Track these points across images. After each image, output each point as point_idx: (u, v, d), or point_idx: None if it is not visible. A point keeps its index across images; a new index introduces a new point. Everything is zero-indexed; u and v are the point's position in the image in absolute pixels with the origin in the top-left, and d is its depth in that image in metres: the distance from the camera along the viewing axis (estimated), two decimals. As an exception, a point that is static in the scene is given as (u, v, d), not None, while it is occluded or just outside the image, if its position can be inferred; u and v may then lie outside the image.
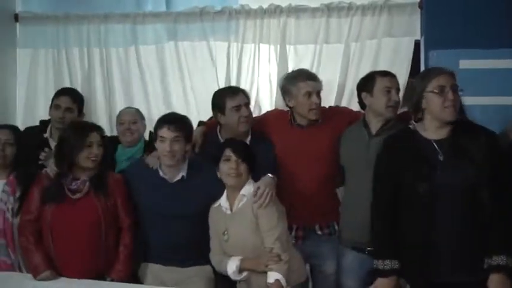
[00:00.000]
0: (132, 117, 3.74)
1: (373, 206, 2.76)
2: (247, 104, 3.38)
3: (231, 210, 2.98)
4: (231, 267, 2.92)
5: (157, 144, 3.08)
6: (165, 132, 3.04)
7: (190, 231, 3.07)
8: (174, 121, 3.10)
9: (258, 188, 2.91)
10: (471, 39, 3.56)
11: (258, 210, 2.88)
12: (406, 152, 2.68)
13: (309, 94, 3.29)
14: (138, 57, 4.21)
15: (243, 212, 2.94)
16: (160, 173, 3.13)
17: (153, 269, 3.16)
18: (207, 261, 3.09)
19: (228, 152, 2.94)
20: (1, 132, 3.30)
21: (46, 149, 3.47)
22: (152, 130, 3.38)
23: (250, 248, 2.92)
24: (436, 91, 2.59)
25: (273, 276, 2.80)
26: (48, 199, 3.03)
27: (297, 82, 3.33)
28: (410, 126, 2.71)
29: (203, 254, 3.08)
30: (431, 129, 2.65)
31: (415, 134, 2.68)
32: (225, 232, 2.96)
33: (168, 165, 3.09)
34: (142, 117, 3.82)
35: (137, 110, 3.85)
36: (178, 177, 3.12)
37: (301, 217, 3.24)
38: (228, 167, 2.93)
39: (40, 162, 3.37)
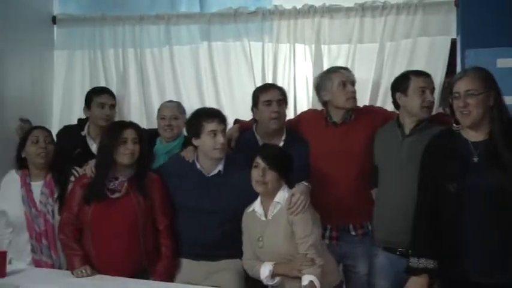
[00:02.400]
0: (173, 112, 3.72)
1: (416, 204, 2.75)
2: (280, 100, 3.37)
3: (266, 216, 2.99)
4: (264, 272, 2.93)
5: (206, 139, 3.10)
6: (216, 126, 3.08)
7: (224, 228, 3.09)
8: (220, 114, 3.16)
9: (293, 195, 2.92)
10: (509, 38, 3.50)
11: (292, 217, 2.88)
12: (443, 152, 2.68)
13: (344, 84, 3.31)
14: (172, 58, 4.25)
15: (277, 219, 2.94)
16: (198, 166, 3.16)
17: (183, 264, 3.19)
18: (238, 255, 3.11)
19: (258, 159, 2.94)
20: (38, 132, 3.36)
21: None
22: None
23: (284, 255, 2.92)
24: (457, 95, 2.61)
25: (307, 278, 2.80)
26: (90, 198, 3.07)
27: (330, 75, 3.37)
28: (454, 127, 2.69)
29: (234, 249, 3.10)
30: (468, 131, 2.64)
31: (457, 135, 2.67)
32: (260, 238, 2.96)
33: (219, 158, 3.12)
34: (183, 112, 3.78)
35: (179, 104, 3.84)
36: (215, 171, 3.15)
37: (335, 217, 3.24)
38: (256, 174, 2.94)
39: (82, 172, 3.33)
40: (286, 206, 2.91)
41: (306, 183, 3.05)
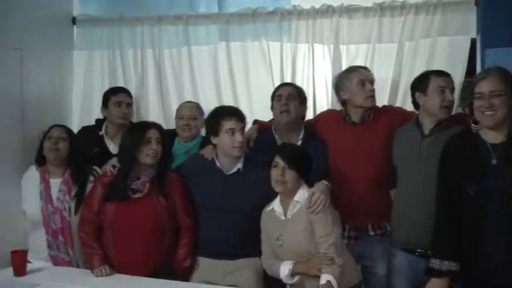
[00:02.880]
0: (191, 112, 3.73)
1: (437, 204, 2.74)
2: (291, 95, 3.40)
3: (285, 215, 2.99)
4: (284, 271, 2.93)
5: (224, 137, 3.10)
6: (234, 124, 3.09)
7: (243, 227, 3.09)
8: (238, 112, 3.16)
9: (313, 194, 2.92)
10: (530, 37, 3.46)
11: (312, 216, 2.88)
12: (462, 152, 2.67)
13: (363, 82, 3.32)
14: (191, 58, 4.25)
15: (297, 218, 2.94)
16: (217, 164, 3.17)
17: (201, 262, 3.20)
18: (256, 254, 3.11)
19: (277, 158, 2.94)
20: (55, 130, 3.43)
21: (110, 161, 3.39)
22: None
23: (304, 254, 2.92)
24: (478, 95, 2.60)
25: (324, 278, 2.80)
26: (111, 197, 3.09)
27: (349, 74, 3.39)
28: (473, 128, 2.67)
29: (253, 247, 3.10)
30: (487, 132, 2.62)
31: (476, 136, 2.65)
32: (279, 237, 2.96)
33: (237, 156, 3.13)
34: (201, 113, 3.78)
35: (197, 105, 3.85)
36: (235, 169, 3.16)
37: (353, 217, 3.23)
38: (276, 173, 2.94)
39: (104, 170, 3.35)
40: (306, 205, 2.90)
41: (326, 182, 3.04)
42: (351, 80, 3.34)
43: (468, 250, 2.60)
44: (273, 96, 3.46)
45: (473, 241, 2.58)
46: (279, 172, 2.92)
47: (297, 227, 2.92)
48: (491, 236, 2.53)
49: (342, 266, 2.84)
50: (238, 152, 3.12)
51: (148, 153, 3.08)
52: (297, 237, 2.92)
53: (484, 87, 2.58)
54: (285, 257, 2.96)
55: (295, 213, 2.96)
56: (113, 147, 3.76)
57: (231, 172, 3.17)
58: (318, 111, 3.83)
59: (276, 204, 3.03)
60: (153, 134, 3.12)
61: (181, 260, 3.15)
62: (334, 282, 2.77)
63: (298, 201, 2.95)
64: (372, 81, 3.36)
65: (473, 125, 2.67)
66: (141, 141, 3.09)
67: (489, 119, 2.57)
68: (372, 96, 3.33)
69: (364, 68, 3.48)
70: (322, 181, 3.05)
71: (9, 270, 3.08)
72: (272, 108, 3.48)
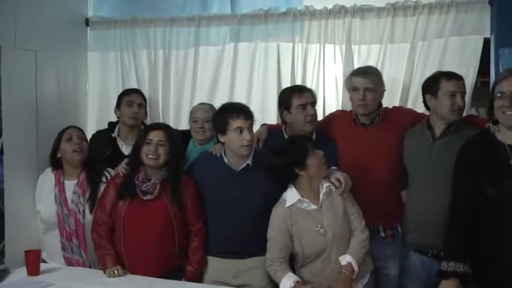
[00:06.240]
0: (205, 114, 3.63)
1: (451, 205, 2.70)
2: (314, 103, 3.39)
3: (317, 204, 2.97)
4: (285, 286, 2.87)
5: (232, 136, 3.07)
6: (242, 122, 3.05)
7: (253, 224, 3.07)
8: (245, 109, 3.12)
9: (338, 179, 2.99)
10: (544, 37, 3.43)
11: (345, 195, 2.96)
12: (480, 154, 2.62)
13: (354, 89, 3.32)
14: (203, 59, 4.26)
15: (332, 202, 2.97)
16: (225, 160, 3.15)
17: (211, 262, 3.20)
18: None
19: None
20: (71, 130, 3.45)
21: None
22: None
23: (345, 235, 2.95)
24: (498, 95, 2.56)
25: (345, 259, 2.83)
26: (122, 194, 3.11)
27: (349, 79, 3.40)
28: (491, 128, 2.64)
29: (264, 245, 3.06)
30: (505, 133, 2.59)
31: (492, 137, 2.61)
32: (319, 226, 2.93)
33: (247, 155, 3.11)
34: None
35: (211, 107, 3.72)
36: (244, 165, 3.14)
37: (364, 218, 3.20)
38: (319, 157, 2.96)
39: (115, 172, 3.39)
40: (339, 189, 2.98)
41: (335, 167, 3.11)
42: (350, 85, 3.39)
43: (485, 253, 2.56)
44: (290, 103, 3.36)
45: (491, 244, 2.54)
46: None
47: (336, 209, 2.95)
48: (510, 239, 2.48)
49: (368, 241, 2.96)
50: (247, 150, 3.08)
51: (147, 154, 3.10)
52: (337, 219, 2.94)
53: (506, 86, 2.54)
54: (329, 246, 2.92)
55: (330, 197, 2.97)
56: (125, 149, 3.76)
57: (240, 168, 3.15)
58: (327, 112, 3.83)
59: (294, 199, 2.97)
60: (155, 136, 3.13)
61: (192, 263, 3.15)
62: (354, 264, 2.79)
63: (328, 186, 2.97)
64: (368, 89, 3.28)
65: (492, 125, 2.63)
66: (142, 142, 3.12)
67: (510, 119, 2.53)
68: (362, 104, 3.30)
69: (362, 74, 3.37)
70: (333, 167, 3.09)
71: (23, 270, 3.12)
72: (284, 112, 3.40)
